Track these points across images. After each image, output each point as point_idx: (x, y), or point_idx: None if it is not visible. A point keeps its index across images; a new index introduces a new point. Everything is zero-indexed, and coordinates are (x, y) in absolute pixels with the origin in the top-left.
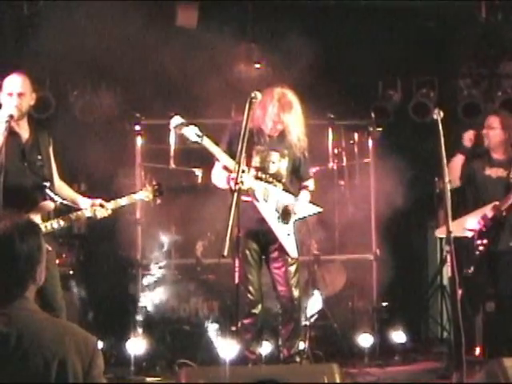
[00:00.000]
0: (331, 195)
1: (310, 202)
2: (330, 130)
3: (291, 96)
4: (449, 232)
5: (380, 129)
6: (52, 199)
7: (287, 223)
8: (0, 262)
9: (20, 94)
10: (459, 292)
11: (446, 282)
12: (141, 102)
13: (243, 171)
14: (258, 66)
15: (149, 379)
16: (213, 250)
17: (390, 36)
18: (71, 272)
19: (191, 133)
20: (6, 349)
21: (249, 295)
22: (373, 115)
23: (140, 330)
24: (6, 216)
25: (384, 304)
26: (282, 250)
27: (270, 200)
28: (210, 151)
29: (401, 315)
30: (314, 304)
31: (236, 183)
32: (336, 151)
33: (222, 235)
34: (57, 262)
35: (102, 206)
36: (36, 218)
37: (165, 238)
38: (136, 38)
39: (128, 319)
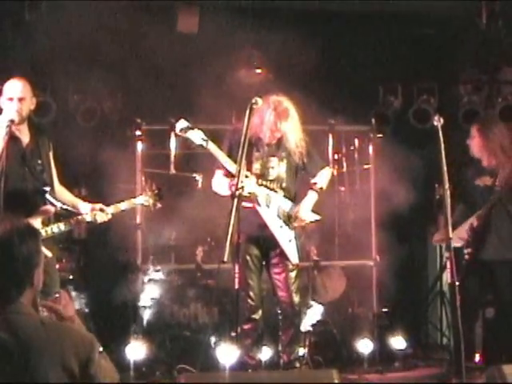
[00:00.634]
0: (331, 201)
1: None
2: (330, 136)
3: (287, 103)
4: (449, 238)
5: (380, 135)
6: (52, 204)
7: (293, 227)
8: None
9: (20, 99)
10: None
11: (445, 288)
12: (141, 108)
13: (246, 176)
14: (258, 71)
15: None
16: (213, 255)
17: (390, 42)
18: (71, 277)
19: (196, 137)
20: (3, 353)
21: (249, 300)
22: (373, 121)
23: (140, 335)
24: (5, 219)
25: (384, 310)
26: (282, 255)
27: (271, 206)
28: (214, 156)
29: (401, 321)
30: (313, 315)
31: (236, 188)
32: (336, 157)
33: (222, 241)
34: (57, 266)
35: (102, 210)
36: (36, 222)
37: (165, 243)
38: (137, 44)
39: (128, 324)
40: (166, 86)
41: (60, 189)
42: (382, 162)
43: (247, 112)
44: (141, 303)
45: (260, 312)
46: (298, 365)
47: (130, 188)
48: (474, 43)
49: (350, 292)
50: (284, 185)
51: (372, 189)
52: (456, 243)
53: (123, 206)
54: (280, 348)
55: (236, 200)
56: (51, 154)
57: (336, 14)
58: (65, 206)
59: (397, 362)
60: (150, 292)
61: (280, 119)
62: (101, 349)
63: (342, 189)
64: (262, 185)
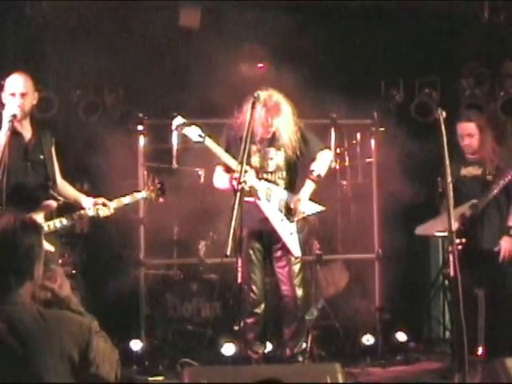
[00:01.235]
0: (334, 195)
1: (313, 200)
2: (332, 130)
3: (277, 97)
4: (451, 232)
5: (382, 129)
6: (54, 198)
7: (293, 221)
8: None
9: (23, 94)
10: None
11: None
12: (143, 102)
13: (246, 171)
14: (260, 65)
15: (151, 379)
16: (215, 249)
17: (392, 36)
18: (73, 271)
19: (193, 133)
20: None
21: (252, 295)
22: (375, 115)
23: (142, 330)
24: (9, 212)
25: (386, 303)
26: (285, 249)
27: (272, 199)
28: (212, 151)
29: (403, 315)
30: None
31: (239, 182)
32: (338, 151)
33: (225, 235)
34: (59, 261)
35: (104, 204)
36: (39, 217)
37: (167, 238)
38: (139, 38)
39: (131, 319)
40: (168, 80)
41: (62, 183)
42: (384, 155)
43: (249, 106)
44: (143, 297)
45: (263, 306)
46: (300, 359)
47: (133, 182)
48: (477, 37)
49: (352, 286)
50: (284, 174)
51: (374, 183)
52: (439, 233)
53: (126, 200)
54: (283, 342)
55: (239, 194)
56: (53, 149)
57: (338, 8)
58: (67, 201)
59: (399, 356)
60: (152, 286)
61: (271, 115)
62: (97, 328)
63: (344, 183)
64: (262, 178)
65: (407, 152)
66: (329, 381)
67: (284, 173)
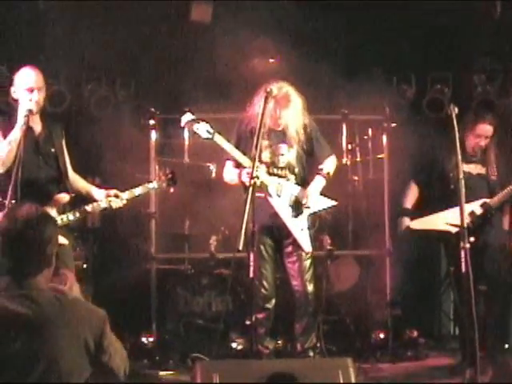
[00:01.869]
0: (345, 190)
1: (325, 195)
2: (343, 126)
3: (287, 89)
4: (462, 228)
5: (394, 124)
6: (66, 191)
7: (297, 216)
8: (21, 242)
9: (39, 89)
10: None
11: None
12: (155, 97)
13: (257, 167)
14: (272, 60)
15: (162, 373)
16: (226, 244)
17: (404, 31)
18: (85, 265)
19: (202, 129)
20: (22, 327)
21: (262, 290)
22: (387, 110)
23: (153, 324)
24: (29, 203)
25: (397, 299)
26: (296, 244)
27: (283, 195)
28: (222, 147)
29: (414, 311)
30: None
31: (252, 177)
32: (350, 146)
33: (236, 230)
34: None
35: (116, 196)
36: (51, 210)
37: (178, 232)
38: (150, 32)
39: (142, 313)
40: (180, 75)
41: (74, 176)
42: (395, 151)
43: (262, 100)
44: (154, 292)
45: (273, 301)
46: (311, 354)
47: (144, 177)
48: (488, 32)
49: (363, 281)
50: (296, 171)
51: (385, 178)
52: (441, 227)
53: (137, 191)
54: (293, 337)
55: (251, 189)
56: (64, 142)
57: (350, 2)
58: (79, 194)
59: (409, 352)
60: (163, 281)
61: (280, 106)
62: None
63: (356, 178)
64: (272, 173)
65: (419, 147)
66: (341, 375)
67: (295, 169)
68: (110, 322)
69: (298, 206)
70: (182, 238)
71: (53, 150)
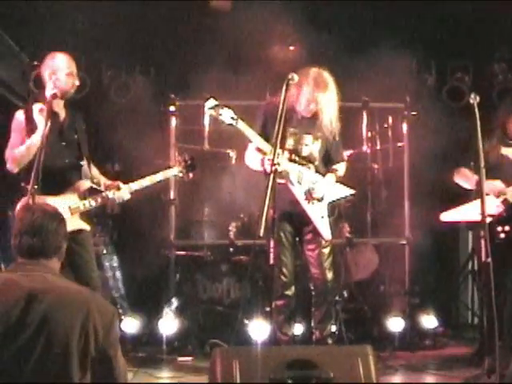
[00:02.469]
0: (364, 178)
1: (344, 184)
2: (364, 113)
3: (327, 76)
4: (484, 217)
5: (414, 113)
6: (90, 178)
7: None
8: (40, 226)
9: (76, 74)
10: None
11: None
12: (175, 83)
13: (278, 154)
14: (292, 48)
15: (180, 359)
16: (246, 231)
17: (425, 20)
18: (104, 251)
19: (226, 115)
20: (29, 309)
21: (282, 277)
22: (407, 99)
23: (172, 310)
24: (45, 203)
25: (415, 288)
26: (315, 232)
27: (303, 182)
28: (244, 134)
29: (432, 300)
30: None
31: (273, 164)
32: (370, 134)
33: (256, 217)
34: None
35: (118, 188)
36: (73, 196)
37: (198, 219)
38: (170, 19)
39: (161, 299)
40: (199, 61)
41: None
42: (415, 139)
43: (283, 88)
44: (173, 278)
45: (293, 288)
46: (330, 341)
47: (164, 163)
48: (509, 22)
49: (381, 270)
50: (316, 163)
51: (405, 166)
52: (474, 218)
53: (157, 177)
54: (312, 324)
55: (272, 176)
56: (84, 129)
57: None
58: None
59: (427, 341)
60: (182, 267)
61: (318, 90)
62: None
63: (376, 166)
64: (293, 160)
65: (439, 136)
66: (360, 363)
67: (316, 162)
68: (129, 307)
69: (309, 196)
70: (202, 225)
71: (76, 136)
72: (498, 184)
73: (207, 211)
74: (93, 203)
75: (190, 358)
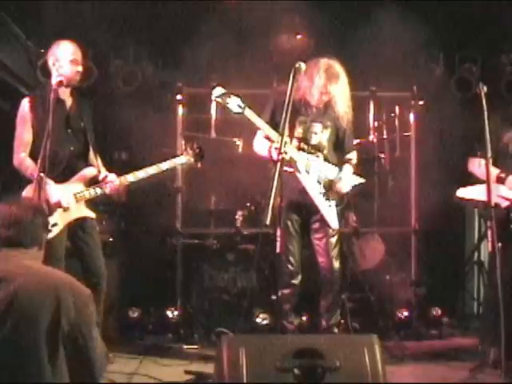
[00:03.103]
0: (371, 168)
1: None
2: (371, 102)
3: (338, 67)
4: (491, 206)
5: (421, 102)
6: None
7: (330, 200)
8: (20, 219)
9: (81, 62)
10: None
11: (483, 257)
12: (182, 72)
13: (285, 142)
14: (299, 36)
15: (186, 347)
16: (252, 219)
17: (433, 10)
18: (111, 239)
19: (233, 103)
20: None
21: (289, 266)
22: (415, 88)
23: (178, 299)
24: (14, 203)
25: (421, 278)
26: (323, 221)
27: (311, 171)
28: (252, 122)
29: (438, 290)
30: None
31: (279, 153)
32: (377, 124)
33: (262, 205)
34: (97, 228)
35: (111, 182)
36: (78, 183)
37: (205, 208)
38: (178, 8)
39: (167, 287)
40: (207, 50)
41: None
42: (422, 129)
43: (291, 76)
44: (180, 266)
45: (299, 277)
46: (336, 331)
47: (171, 152)
48: None
49: (388, 259)
50: (325, 152)
51: (412, 156)
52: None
53: (165, 165)
54: (318, 314)
55: (279, 164)
56: (91, 118)
57: None
58: None
59: (433, 331)
60: (189, 256)
61: (330, 81)
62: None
63: (383, 156)
64: (302, 149)
65: (446, 126)
66: (366, 352)
67: (325, 151)
68: (136, 296)
69: (331, 191)
70: (208, 213)
71: (82, 124)
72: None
73: (214, 200)
74: (98, 191)
75: (196, 347)
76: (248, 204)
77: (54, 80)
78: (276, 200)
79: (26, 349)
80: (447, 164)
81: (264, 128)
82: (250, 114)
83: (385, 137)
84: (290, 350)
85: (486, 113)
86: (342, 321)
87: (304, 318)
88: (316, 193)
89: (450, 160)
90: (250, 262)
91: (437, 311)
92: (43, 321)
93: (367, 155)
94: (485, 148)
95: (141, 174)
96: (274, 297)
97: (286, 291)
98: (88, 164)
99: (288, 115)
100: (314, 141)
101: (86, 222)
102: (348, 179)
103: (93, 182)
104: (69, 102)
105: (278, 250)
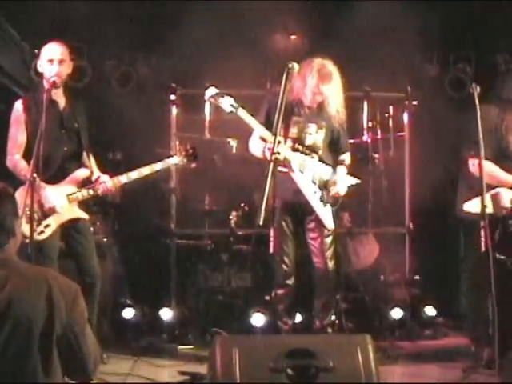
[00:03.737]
0: (365, 168)
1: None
2: (365, 103)
3: (331, 67)
4: (483, 206)
5: (415, 102)
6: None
7: (327, 203)
8: None
9: (60, 61)
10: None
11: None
12: (177, 72)
13: (279, 142)
14: (293, 37)
15: (181, 347)
16: (247, 220)
17: (427, 9)
18: (105, 240)
19: (226, 103)
20: None
21: (283, 266)
22: (409, 88)
23: (173, 299)
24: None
25: (416, 278)
26: (318, 221)
27: (306, 171)
28: (245, 122)
29: (432, 290)
30: None
31: (272, 153)
32: (371, 124)
33: (257, 206)
34: (91, 229)
35: (102, 182)
36: (71, 184)
37: (199, 208)
38: (173, 8)
39: (161, 288)
40: (201, 50)
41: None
42: (416, 129)
43: (284, 77)
44: (174, 267)
45: (293, 278)
46: (330, 331)
47: (165, 152)
48: None
49: (382, 259)
50: (320, 152)
51: (406, 156)
52: (495, 210)
53: (158, 166)
54: (313, 314)
55: (272, 164)
56: (85, 119)
57: None
58: None
59: (427, 331)
60: (183, 256)
61: (323, 82)
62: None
63: (376, 156)
64: (297, 149)
65: (440, 126)
66: (359, 352)
67: (319, 151)
68: (130, 296)
69: (327, 195)
70: (202, 214)
71: (76, 125)
72: None
73: (208, 200)
74: (91, 192)
75: (190, 347)
76: (242, 204)
77: (47, 81)
78: (270, 200)
79: (20, 356)
80: (441, 164)
81: (257, 128)
82: (243, 113)
83: (379, 137)
84: (283, 350)
85: (478, 113)
86: (337, 321)
87: (298, 318)
88: (311, 193)
89: (444, 160)
90: (245, 263)
91: (431, 311)
92: (38, 324)
93: (361, 155)
94: (484, 148)
95: (134, 175)
96: (268, 297)
97: (281, 291)
98: (81, 165)
99: (281, 115)
100: (308, 141)
101: (79, 222)
102: (344, 181)
103: (85, 183)
104: (62, 102)
105: (271, 251)
